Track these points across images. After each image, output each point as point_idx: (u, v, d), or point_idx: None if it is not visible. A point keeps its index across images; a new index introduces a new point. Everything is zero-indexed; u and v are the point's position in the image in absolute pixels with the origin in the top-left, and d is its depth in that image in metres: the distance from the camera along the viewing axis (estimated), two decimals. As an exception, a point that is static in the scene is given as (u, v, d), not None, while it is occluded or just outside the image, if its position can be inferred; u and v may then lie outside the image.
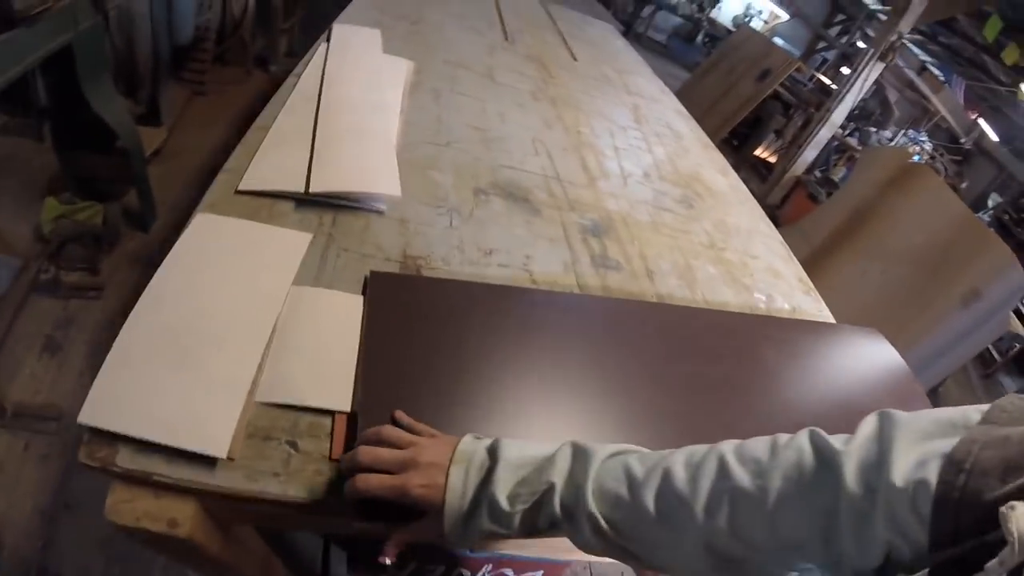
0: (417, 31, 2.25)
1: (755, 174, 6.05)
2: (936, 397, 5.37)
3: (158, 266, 0.91)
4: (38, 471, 1.91)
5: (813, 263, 3.54)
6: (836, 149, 6.28)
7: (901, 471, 0.51)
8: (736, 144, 6.23)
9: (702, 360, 1.19)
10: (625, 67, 3.04)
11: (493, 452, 0.69)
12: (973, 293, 3.25)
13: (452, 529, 0.67)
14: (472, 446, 0.70)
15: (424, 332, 0.94)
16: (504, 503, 0.66)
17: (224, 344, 0.82)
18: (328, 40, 1.79)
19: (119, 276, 2.56)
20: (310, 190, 1.11)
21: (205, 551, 0.77)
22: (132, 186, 2.73)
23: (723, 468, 0.62)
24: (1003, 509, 0.39)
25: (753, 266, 1.61)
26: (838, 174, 5.95)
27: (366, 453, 0.70)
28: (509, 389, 0.93)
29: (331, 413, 0.80)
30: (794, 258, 1.81)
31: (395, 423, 0.77)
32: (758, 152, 6.22)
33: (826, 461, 0.57)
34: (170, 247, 0.94)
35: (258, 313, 0.88)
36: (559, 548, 1.44)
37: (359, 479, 0.68)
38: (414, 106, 1.64)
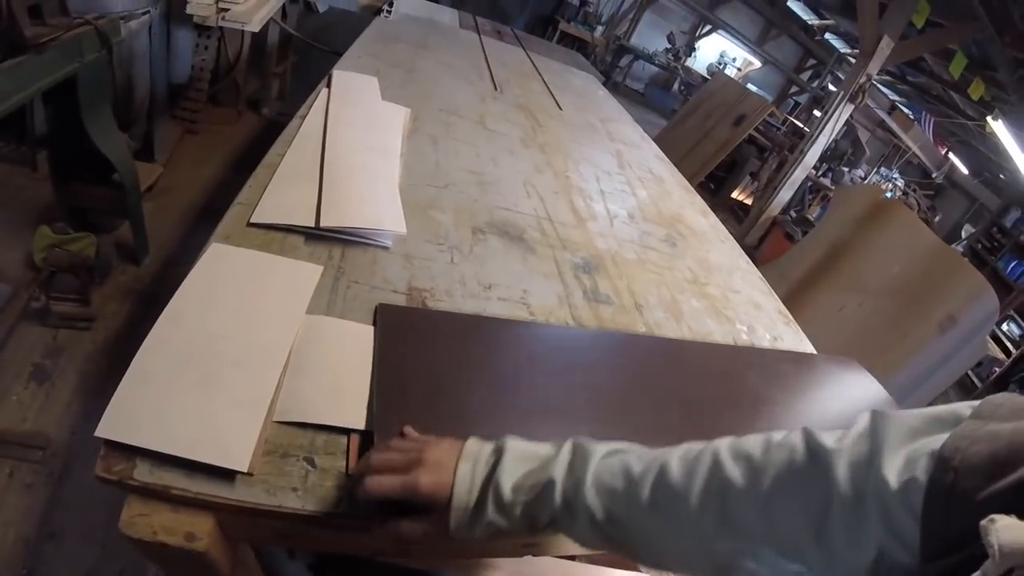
0: (412, 79, 2.36)
1: (732, 216, 6.21)
2: None
3: (150, 300, 0.95)
4: (23, 499, 1.89)
5: (791, 300, 3.65)
6: (810, 189, 6.48)
7: (893, 469, 0.51)
8: (713, 188, 6.40)
9: (689, 389, 1.25)
10: (607, 115, 3.17)
11: (499, 449, 0.72)
12: (949, 319, 3.36)
13: (459, 523, 0.69)
14: (478, 445, 0.74)
15: (431, 361, 1.00)
16: (508, 493, 0.68)
17: (242, 366, 0.87)
18: (329, 85, 1.88)
19: (110, 308, 2.58)
20: (321, 225, 1.18)
21: (218, 568, 0.80)
22: (126, 220, 2.76)
23: (716, 463, 0.65)
24: (984, 523, 0.39)
25: (735, 300, 1.69)
26: (813, 213, 6.12)
27: (377, 456, 0.74)
28: (511, 416, 0.98)
29: (346, 431, 0.85)
30: (773, 293, 1.90)
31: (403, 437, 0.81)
32: (735, 195, 6.39)
33: (817, 459, 0.60)
34: (162, 281, 0.99)
35: (274, 338, 0.93)
36: None
37: (371, 480, 0.71)
38: (413, 150, 1.73)
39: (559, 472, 0.69)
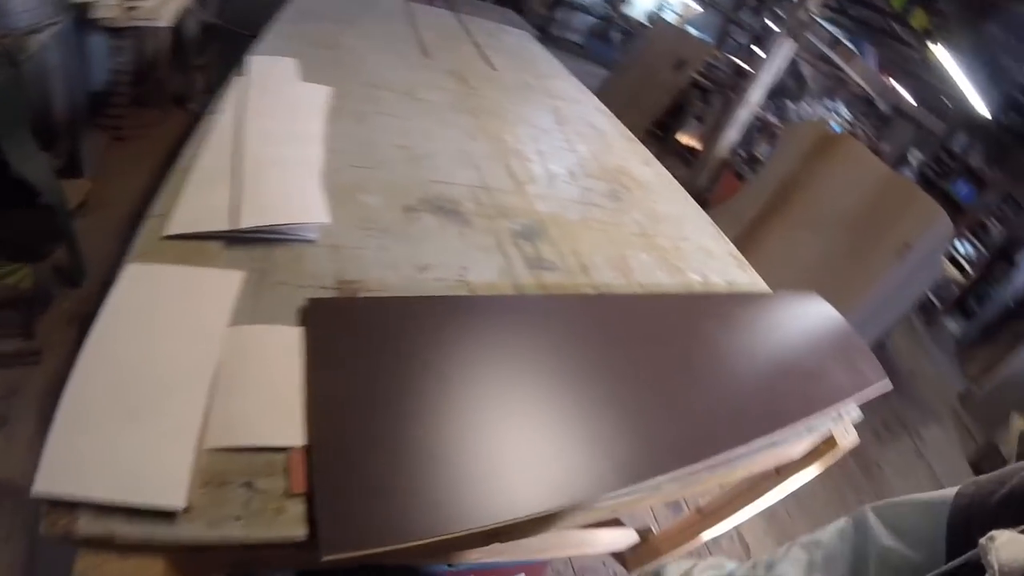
0: (335, 56, 2.26)
1: (681, 161, 6.18)
2: (884, 351, 5.58)
3: (95, 322, 0.90)
4: (3, 553, 1.83)
5: (746, 240, 3.65)
6: (757, 128, 6.46)
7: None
8: (660, 135, 6.34)
9: (648, 344, 1.24)
10: (544, 72, 3.10)
11: None
12: (905, 246, 3.39)
13: None
14: None
15: (369, 354, 0.95)
16: None
17: (168, 395, 0.82)
18: (245, 73, 1.78)
19: (56, 337, 2.47)
20: (239, 226, 1.11)
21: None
22: (59, 243, 2.65)
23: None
24: (983, 541, 0.42)
25: (685, 248, 1.67)
26: (762, 151, 6.12)
27: None
28: (463, 397, 0.95)
29: (285, 449, 0.81)
30: (725, 237, 1.89)
31: None
32: (682, 139, 6.34)
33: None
34: (104, 301, 0.93)
35: (198, 359, 0.88)
36: (535, 549, 1.48)
37: None
38: (338, 131, 1.64)
39: None
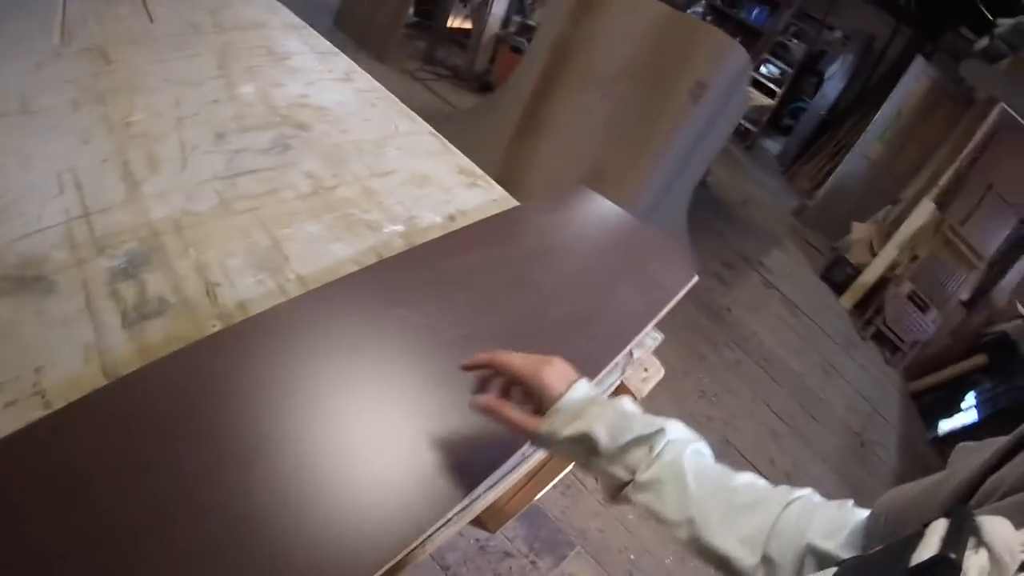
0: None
1: (458, 47, 5.66)
2: (707, 187, 5.51)
3: None
4: None
5: (532, 115, 3.28)
6: (525, -8, 5.98)
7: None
8: (428, 24, 5.75)
9: (345, 374, 0.87)
10: (223, 1, 2.47)
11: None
12: (699, 86, 3.13)
13: (559, 420, 0.71)
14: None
15: None
16: (629, 409, 0.73)
17: None
18: None
19: None
20: None
21: None
22: None
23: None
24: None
25: (383, 188, 1.27)
26: (536, 18, 5.69)
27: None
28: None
29: None
30: (450, 147, 1.50)
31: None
32: (450, 24, 5.77)
33: None
34: None
35: None
36: None
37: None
38: None
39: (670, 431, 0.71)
